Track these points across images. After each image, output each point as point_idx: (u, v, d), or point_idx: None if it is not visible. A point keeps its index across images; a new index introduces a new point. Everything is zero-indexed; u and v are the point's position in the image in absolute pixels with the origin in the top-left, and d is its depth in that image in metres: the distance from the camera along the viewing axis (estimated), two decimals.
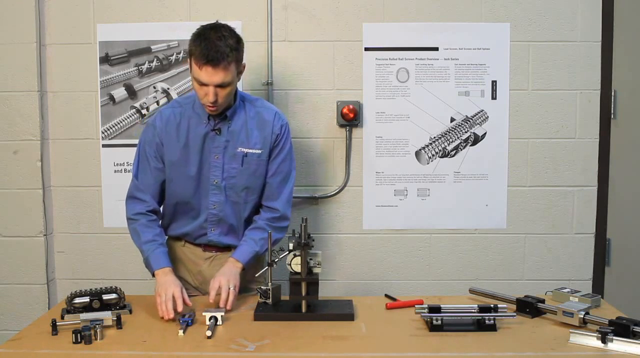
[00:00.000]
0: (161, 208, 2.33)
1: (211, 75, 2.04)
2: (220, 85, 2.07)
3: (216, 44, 2.03)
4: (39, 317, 2.11)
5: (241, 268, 2.19)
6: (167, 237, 2.32)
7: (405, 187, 3.02)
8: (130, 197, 2.27)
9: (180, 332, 1.88)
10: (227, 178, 2.22)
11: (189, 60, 2.12)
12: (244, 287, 2.28)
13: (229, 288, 2.08)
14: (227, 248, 2.31)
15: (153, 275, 2.17)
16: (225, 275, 2.11)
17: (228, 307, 2.05)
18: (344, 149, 3.00)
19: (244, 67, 2.19)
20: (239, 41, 2.12)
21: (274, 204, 2.28)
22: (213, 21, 2.15)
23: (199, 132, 2.21)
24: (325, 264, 2.17)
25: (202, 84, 2.07)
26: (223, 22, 2.15)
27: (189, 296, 2.11)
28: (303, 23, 2.96)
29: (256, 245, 2.22)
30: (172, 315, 1.98)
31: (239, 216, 2.28)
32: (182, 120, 2.22)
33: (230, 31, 2.11)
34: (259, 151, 2.23)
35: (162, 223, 2.34)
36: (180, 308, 2.01)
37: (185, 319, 1.94)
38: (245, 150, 2.22)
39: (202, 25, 2.12)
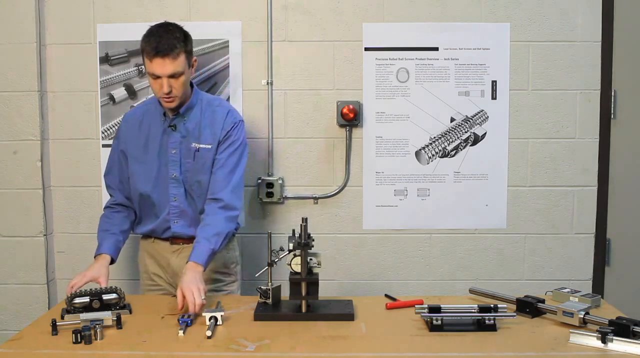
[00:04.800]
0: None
1: (162, 66, 2.18)
2: (172, 76, 2.20)
3: (163, 37, 2.20)
4: (39, 317, 2.11)
5: (202, 271, 2.16)
6: (134, 232, 2.48)
7: (405, 187, 3.02)
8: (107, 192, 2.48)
9: (180, 333, 1.88)
10: (184, 172, 2.34)
11: (142, 59, 2.26)
12: (210, 278, 2.38)
13: (193, 295, 2.02)
14: (193, 239, 2.32)
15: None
16: (186, 283, 2.05)
17: (197, 311, 2.00)
18: (344, 149, 3.00)
19: (196, 61, 2.36)
20: (186, 35, 2.29)
21: (219, 195, 2.30)
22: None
23: (158, 129, 2.36)
24: (325, 264, 2.16)
25: (156, 77, 2.21)
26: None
27: (168, 295, 2.22)
28: (303, 23, 2.96)
29: (210, 243, 2.20)
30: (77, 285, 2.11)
31: (196, 208, 2.37)
32: (144, 118, 2.39)
33: (177, 27, 2.28)
34: (209, 146, 2.34)
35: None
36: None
37: (185, 319, 1.94)
38: (198, 146, 2.34)
39: (151, 26, 2.29)
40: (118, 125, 2.98)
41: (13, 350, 1.78)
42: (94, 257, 2.30)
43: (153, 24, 2.90)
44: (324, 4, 2.95)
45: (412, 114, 2.99)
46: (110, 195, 2.46)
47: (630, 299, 2.88)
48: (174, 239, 2.40)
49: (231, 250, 2.50)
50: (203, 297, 2.03)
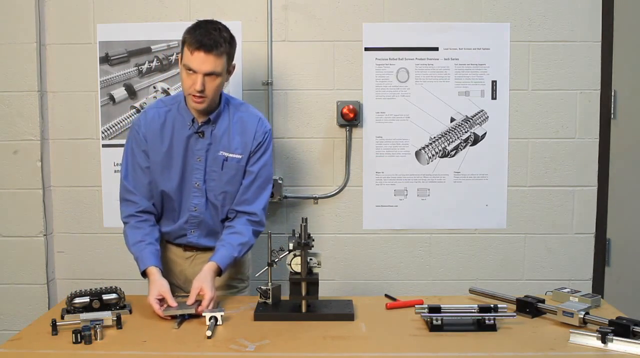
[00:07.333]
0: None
1: (202, 61, 2.05)
2: (210, 74, 2.07)
3: (211, 33, 2.08)
4: (39, 317, 2.10)
5: (218, 274, 2.16)
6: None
7: (405, 187, 3.02)
8: (122, 200, 2.27)
9: (175, 325, 1.91)
10: (208, 180, 2.23)
11: (180, 50, 2.13)
12: (225, 285, 2.34)
13: (209, 297, 2.04)
14: (207, 249, 2.30)
15: (144, 277, 2.17)
16: (205, 282, 2.07)
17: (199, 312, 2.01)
18: (344, 149, 3.00)
19: (234, 67, 2.21)
20: (232, 38, 2.15)
21: (251, 208, 2.25)
22: (220, 21, 2.18)
23: (183, 134, 2.21)
24: (325, 264, 2.16)
25: (191, 72, 2.07)
26: (222, 22, 2.18)
27: (178, 297, 2.11)
28: (303, 23, 2.96)
29: (234, 250, 2.18)
30: (161, 314, 1.99)
31: (218, 218, 2.29)
32: (166, 120, 2.22)
33: (226, 27, 2.15)
34: (239, 156, 2.23)
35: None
36: (158, 312, 2.00)
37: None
38: (227, 155, 2.22)
39: (198, 20, 2.16)
40: (118, 125, 3.00)
41: (13, 350, 1.78)
42: (142, 274, 2.16)
43: (153, 23, 2.95)
44: (324, 4, 2.95)
45: (412, 114, 2.99)
46: (130, 201, 2.23)
47: (630, 299, 2.88)
48: (188, 246, 2.33)
49: (246, 256, 2.42)
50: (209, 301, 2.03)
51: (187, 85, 2.11)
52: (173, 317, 1.99)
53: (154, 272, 2.12)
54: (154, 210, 2.27)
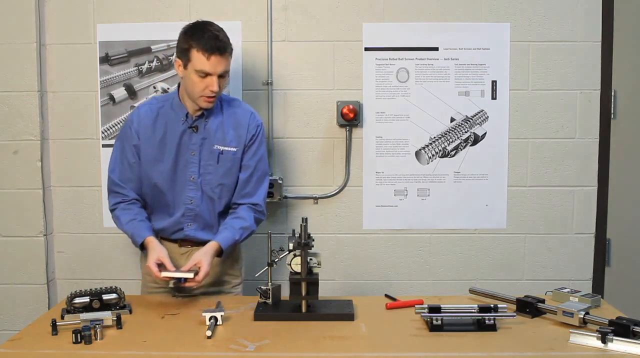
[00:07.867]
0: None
1: (217, 64, 2.14)
2: (222, 75, 2.17)
3: (218, 35, 2.15)
4: (39, 317, 2.11)
5: (217, 255, 2.22)
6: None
7: (405, 187, 3.02)
8: (109, 192, 2.35)
9: (171, 283, 2.12)
10: (204, 174, 2.28)
11: (184, 55, 2.18)
12: (218, 280, 2.36)
13: (203, 269, 2.11)
14: (203, 243, 2.31)
15: (142, 250, 2.24)
16: (204, 256, 2.14)
17: (192, 285, 2.13)
18: (344, 149, 3.00)
19: None
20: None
21: (254, 200, 2.33)
22: (212, 21, 2.23)
23: (177, 130, 2.27)
24: (325, 264, 2.16)
25: (206, 75, 2.14)
26: (222, 23, 2.26)
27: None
28: (303, 23, 2.96)
29: (236, 233, 2.26)
30: (160, 275, 2.08)
31: (214, 212, 2.33)
32: (159, 116, 2.29)
33: (221, 27, 2.23)
34: (235, 149, 2.29)
35: None
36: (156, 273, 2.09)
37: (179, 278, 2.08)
38: (222, 148, 2.28)
39: (192, 23, 2.22)
40: (118, 125, 3.00)
41: (13, 350, 1.78)
42: (140, 247, 2.23)
43: (153, 23, 2.95)
44: (324, 4, 2.95)
45: (412, 114, 2.99)
46: (117, 193, 2.31)
47: (630, 299, 2.88)
48: (183, 242, 2.35)
49: (239, 251, 2.48)
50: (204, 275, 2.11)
51: (199, 89, 2.17)
52: (170, 279, 2.09)
53: (152, 240, 2.20)
54: (141, 202, 2.34)
